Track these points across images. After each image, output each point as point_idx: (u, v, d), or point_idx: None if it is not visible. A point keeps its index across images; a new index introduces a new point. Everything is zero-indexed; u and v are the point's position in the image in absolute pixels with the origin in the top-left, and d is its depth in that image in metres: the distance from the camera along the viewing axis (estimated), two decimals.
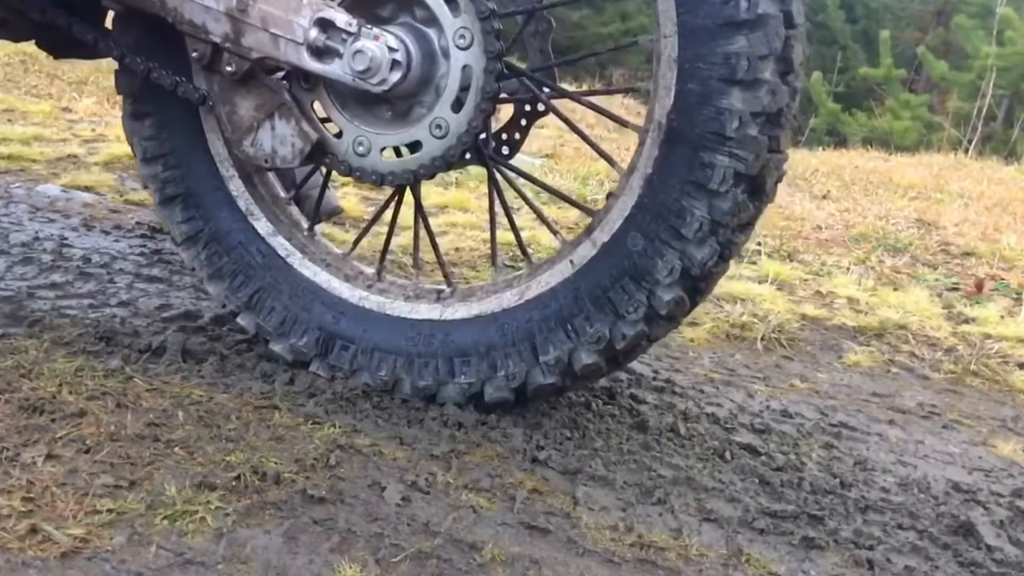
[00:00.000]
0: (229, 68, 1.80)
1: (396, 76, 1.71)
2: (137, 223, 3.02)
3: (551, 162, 5.06)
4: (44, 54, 2.25)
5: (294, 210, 2.05)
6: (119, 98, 2.04)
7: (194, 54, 1.82)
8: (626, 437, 1.84)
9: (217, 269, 1.97)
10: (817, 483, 1.76)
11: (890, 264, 3.68)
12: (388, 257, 2.05)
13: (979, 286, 3.41)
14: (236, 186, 1.97)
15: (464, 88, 1.71)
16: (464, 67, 1.70)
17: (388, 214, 2.05)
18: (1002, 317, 3.06)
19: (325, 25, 1.72)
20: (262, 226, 1.97)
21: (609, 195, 1.75)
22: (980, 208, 5.16)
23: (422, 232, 2.03)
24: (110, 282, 2.37)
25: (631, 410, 1.98)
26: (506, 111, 2.16)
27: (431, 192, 3.84)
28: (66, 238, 2.72)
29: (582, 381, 1.81)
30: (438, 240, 2.14)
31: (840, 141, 11.91)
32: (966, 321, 3.05)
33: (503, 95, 1.92)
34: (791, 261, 3.56)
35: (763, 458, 1.85)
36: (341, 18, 1.71)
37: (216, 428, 1.63)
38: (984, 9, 12.88)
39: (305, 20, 1.72)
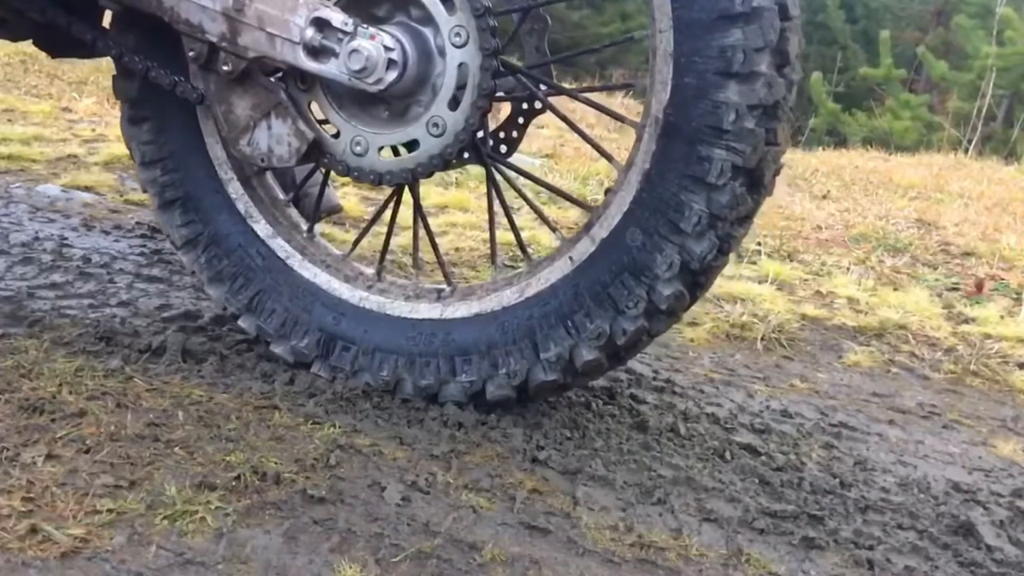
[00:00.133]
0: (226, 67, 1.80)
1: (392, 75, 1.71)
2: (137, 223, 3.02)
3: (551, 162, 5.05)
4: (44, 54, 2.25)
5: (293, 212, 2.05)
6: None
7: (191, 53, 1.82)
8: (626, 437, 1.84)
9: (217, 272, 1.97)
10: (817, 483, 1.76)
11: (890, 264, 3.68)
12: (388, 257, 2.05)
13: (979, 286, 3.40)
14: (235, 189, 1.97)
15: (461, 86, 1.70)
16: (460, 65, 1.69)
17: (387, 214, 2.05)
18: (1002, 317, 3.06)
19: (321, 24, 1.72)
20: (261, 228, 1.97)
21: (607, 191, 1.75)
22: (980, 208, 5.16)
23: (421, 232, 2.03)
24: (110, 282, 2.37)
25: (631, 410, 1.98)
26: (504, 110, 2.16)
27: (431, 192, 3.85)
28: (66, 238, 2.72)
29: (583, 377, 1.81)
30: (438, 240, 2.14)
31: (840, 141, 11.90)
32: (966, 321, 3.05)
33: (500, 93, 1.92)
34: (791, 261, 3.56)
35: (763, 458, 1.85)
36: (337, 17, 1.71)
37: (216, 428, 1.63)
38: (984, 9, 12.87)
39: (301, 19, 1.72)
